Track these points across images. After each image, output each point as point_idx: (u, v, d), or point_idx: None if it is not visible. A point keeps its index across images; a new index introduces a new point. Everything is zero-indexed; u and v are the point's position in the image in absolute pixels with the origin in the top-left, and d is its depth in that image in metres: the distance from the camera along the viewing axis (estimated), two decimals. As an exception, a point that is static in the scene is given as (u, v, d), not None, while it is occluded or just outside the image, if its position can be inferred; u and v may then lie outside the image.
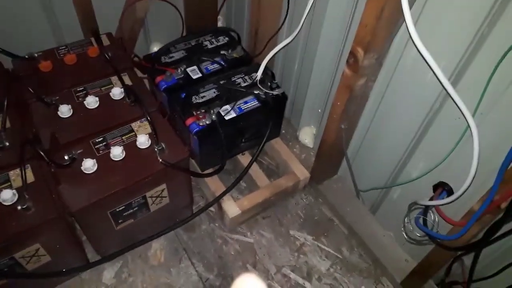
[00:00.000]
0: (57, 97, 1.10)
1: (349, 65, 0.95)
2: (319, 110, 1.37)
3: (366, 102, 1.09)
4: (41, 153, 0.90)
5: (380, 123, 1.11)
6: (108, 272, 1.21)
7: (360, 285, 1.23)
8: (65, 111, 1.07)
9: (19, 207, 0.91)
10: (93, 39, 1.27)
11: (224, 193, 1.23)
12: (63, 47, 1.24)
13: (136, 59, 1.40)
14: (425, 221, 0.96)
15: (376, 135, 1.15)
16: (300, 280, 1.23)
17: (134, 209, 1.09)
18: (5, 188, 0.93)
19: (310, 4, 1.01)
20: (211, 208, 1.34)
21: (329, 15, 1.11)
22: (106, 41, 1.28)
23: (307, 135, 1.47)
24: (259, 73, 1.21)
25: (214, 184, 1.28)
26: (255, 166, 1.37)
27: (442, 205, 0.90)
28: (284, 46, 1.14)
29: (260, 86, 1.23)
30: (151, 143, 1.05)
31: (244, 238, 1.31)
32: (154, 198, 1.11)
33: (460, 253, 0.92)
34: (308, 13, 1.03)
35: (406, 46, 0.92)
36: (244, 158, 1.39)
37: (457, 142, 0.86)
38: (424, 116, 0.97)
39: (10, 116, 1.06)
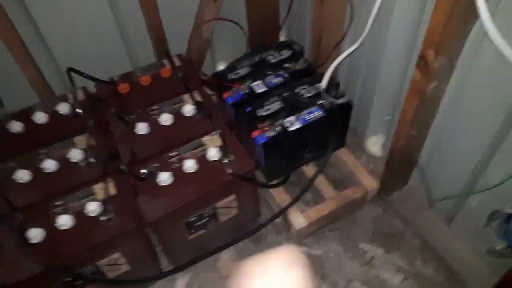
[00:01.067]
0: (134, 116, 1.19)
1: (419, 68, 0.92)
2: (387, 118, 1.34)
3: (438, 106, 1.04)
4: (121, 167, 0.98)
5: (454, 127, 1.05)
6: (180, 283, 1.25)
7: (438, 302, 1.16)
8: (142, 128, 1.16)
9: (102, 218, 0.99)
10: (165, 61, 1.36)
11: (290, 204, 1.23)
12: (138, 70, 1.34)
13: (204, 77, 1.46)
14: (508, 231, 0.89)
15: (450, 140, 1.09)
16: (372, 295, 1.19)
17: (205, 219, 1.13)
18: (91, 200, 1.02)
19: (376, 9, 0.99)
20: (278, 220, 1.34)
21: (396, 17, 1.08)
22: (177, 62, 1.36)
23: (375, 145, 1.43)
24: (324, 82, 1.21)
25: (280, 196, 1.29)
26: (320, 177, 1.36)
27: None
28: (349, 54, 1.14)
29: (324, 95, 1.23)
30: (221, 155, 1.09)
31: (311, 250, 1.30)
32: (223, 209, 1.15)
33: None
34: (374, 17, 1.02)
35: (482, 43, 0.87)
36: (309, 170, 1.39)
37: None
38: (504, 116, 0.90)
39: (95, 135, 1.16)
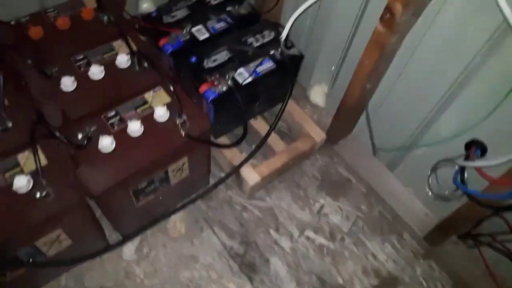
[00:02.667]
0: (57, 68, 0.99)
1: (383, 21, 0.89)
2: (333, 68, 1.31)
3: (393, 58, 1.04)
4: (58, 134, 0.81)
5: (406, 81, 1.06)
6: (128, 248, 1.16)
7: (383, 242, 1.25)
8: (68, 84, 0.97)
9: (37, 195, 0.83)
10: (86, 1, 1.13)
11: (244, 162, 1.18)
12: (51, 10, 1.10)
13: (134, 19, 1.26)
14: (462, 179, 0.95)
15: (400, 93, 1.10)
16: (324, 241, 1.24)
17: (156, 184, 1.03)
18: (17, 173, 0.85)
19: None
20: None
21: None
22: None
23: (318, 94, 1.41)
24: (284, 34, 1.12)
25: (230, 152, 1.23)
26: (267, 128, 1.31)
27: (489, 166, 0.89)
28: (313, 4, 1.04)
29: (281, 47, 1.15)
30: (169, 114, 0.97)
31: (263, 203, 1.29)
32: (175, 172, 1.05)
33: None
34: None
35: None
36: (256, 123, 1.33)
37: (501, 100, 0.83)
38: (460, 72, 0.93)
39: (7, 92, 0.94)
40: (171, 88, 0.94)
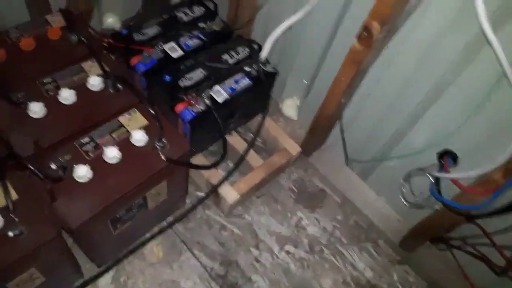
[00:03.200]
0: (23, 93, 0.92)
1: (361, 40, 0.91)
2: (305, 81, 1.33)
3: (367, 73, 1.07)
4: (32, 168, 0.76)
5: (381, 92, 1.09)
6: (104, 279, 1.11)
7: (360, 251, 1.28)
8: (37, 110, 0.91)
9: (10, 234, 0.77)
10: (49, 17, 1.06)
11: (222, 181, 1.16)
12: (14, 30, 1.02)
13: (104, 38, 1.20)
14: (439, 190, 1.00)
15: (371, 106, 1.14)
16: (304, 255, 1.25)
17: (134, 210, 0.99)
18: (-17, 211, 0.78)
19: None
20: (202, 194, 1.27)
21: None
22: (60, 20, 1.08)
23: (291, 107, 1.42)
24: (264, 54, 1.12)
25: (208, 171, 1.21)
26: (244, 145, 1.30)
27: (466, 178, 0.93)
28: (292, 24, 1.04)
29: (250, 62, 1.15)
30: (148, 138, 0.94)
31: (242, 220, 1.28)
32: (153, 196, 1.02)
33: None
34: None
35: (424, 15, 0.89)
36: (231, 138, 1.32)
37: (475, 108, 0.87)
38: (428, 89, 0.97)
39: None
40: (151, 111, 0.91)
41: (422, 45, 0.93)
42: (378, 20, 0.86)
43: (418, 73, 0.98)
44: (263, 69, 1.15)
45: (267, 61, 1.18)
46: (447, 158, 0.99)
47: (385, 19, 0.85)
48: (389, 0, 0.81)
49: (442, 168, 0.99)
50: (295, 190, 1.37)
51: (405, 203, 1.16)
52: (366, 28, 0.89)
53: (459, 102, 0.93)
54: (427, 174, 1.05)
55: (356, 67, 0.97)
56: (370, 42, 0.90)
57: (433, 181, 1.01)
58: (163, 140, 0.93)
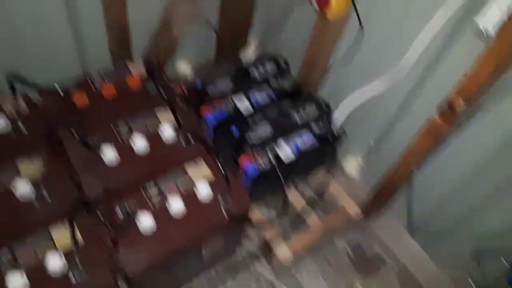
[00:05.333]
0: (98, 138, 0.97)
1: (442, 114, 0.87)
2: (371, 142, 1.29)
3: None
4: (101, 217, 0.78)
5: (455, 166, 1.03)
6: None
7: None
8: (110, 155, 0.94)
9: (72, 279, 0.79)
10: (129, 65, 1.13)
11: (276, 238, 1.13)
12: (97, 76, 1.09)
13: (179, 89, 1.26)
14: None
15: (451, 175, 1.07)
16: (356, 326, 1.17)
17: (188, 260, 0.99)
18: (49, 249, 0.81)
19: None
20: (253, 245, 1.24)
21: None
22: (141, 68, 1.14)
23: (353, 166, 1.39)
24: (338, 121, 1.10)
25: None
26: (300, 200, 1.27)
27: None
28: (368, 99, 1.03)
29: (318, 122, 1.14)
30: (211, 191, 0.94)
31: (292, 280, 1.23)
32: (208, 248, 1.01)
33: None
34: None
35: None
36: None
37: None
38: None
39: (46, 160, 0.92)
40: (219, 165, 0.90)
41: (506, 130, 0.87)
42: (464, 98, 0.81)
43: (500, 153, 0.91)
44: (330, 130, 1.13)
45: (333, 120, 1.17)
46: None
47: (471, 97, 0.80)
48: (479, 80, 0.77)
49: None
50: (351, 253, 1.30)
51: (473, 286, 1.06)
52: (449, 104, 0.84)
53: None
54: (502, 259, 0.96)
55: (434, 140, 0.93)
56: (451, 118, 0.86)
57: (509, 267, 0.91)
58: (227, 196, 0.92)
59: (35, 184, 0.88)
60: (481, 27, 0.77)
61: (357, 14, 1.05)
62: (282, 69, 1.29)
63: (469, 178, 1.01)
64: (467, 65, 0.80)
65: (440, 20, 0.85)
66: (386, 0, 1.02)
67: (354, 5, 1.04)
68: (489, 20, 0.76)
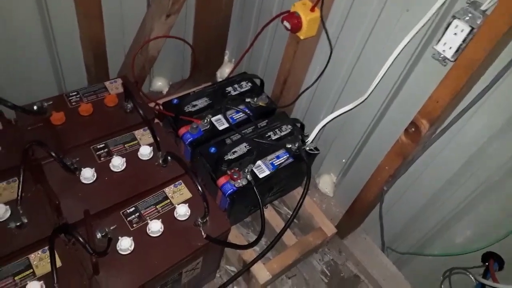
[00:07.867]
0: (77, 158, 0.95)
1: (408, 134, 0.92)
2: (344, 160, 1.33)
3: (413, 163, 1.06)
4: (81, 240, 0.76)
5: (424, 184, 1.08)
6: None
7: None
8: (88, 176, 0.93)
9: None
10: (107, 84, 1.12)
11: (255, 260, 1.13)
12: (74, 94, 1.08)
13: (156, 107, 1.26)
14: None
15: (418, 195, 1.12)
16: None
17: (168, 285, 0.97)
18: (29, 278, 0.79)
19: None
20: (233, 268, 1.24)
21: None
22: (118, 87, 1.14)
23: (327, 184, 1.42)
24: (311, 138, 1.14)
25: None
26: (278, 220, 1.29)
27: None
28: (343, 113, 1.07)
29: (292, 139, 1.17)
30: (190, 213, 0.94)
31: (271, 302, 1.23)
32: (188, 272, 1.00)
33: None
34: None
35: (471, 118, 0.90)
36: (266, 211, 1.31)
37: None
38: (478, 186, 0.96)
39: (24, 183, 0.89)
40: (199, 188, 0.90)
41: (469, 145, 0.93)
42: (428, 119, 0.87)
43: (463, 172, 0.97)
44: (304, 147, 1.16)
45: (307, 138, 1.20)
46: (493, 261, 0.95)
47: (434, 118, 0.86)
48: (441, 102, 0.82)
49: (487, 272, 0.95)
50: (328, 273, 1.32)
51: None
52: (414, 124, 0.90)
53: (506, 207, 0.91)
54: (471, 277, 1.01)
55: (401, 159, 0.97)
56: (417, 138, 0.91)
57: (477, 283, 0.96)
58: (206, 218, 0.93)
59: (13, 208, 0.86)
60: (441, 52, 0.82)
61: (328, 37, 1.11)
62: (257, 88, 1.32)
63: (439, 194, 1.06)
64: (431, 88, 0.86)
65: (404, 45, 0.90)
66: (356, 24, 1.08)
67: (324, 28, 1.09)
68: (447, 46, 0.81)
